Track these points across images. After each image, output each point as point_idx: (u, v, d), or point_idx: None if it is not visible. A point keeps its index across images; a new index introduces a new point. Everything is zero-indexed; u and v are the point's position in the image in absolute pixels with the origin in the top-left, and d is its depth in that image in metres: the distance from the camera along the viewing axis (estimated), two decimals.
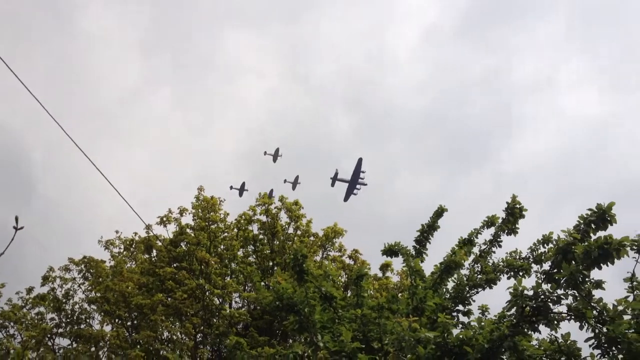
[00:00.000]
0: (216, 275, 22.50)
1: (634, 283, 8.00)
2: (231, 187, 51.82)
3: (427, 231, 13.19)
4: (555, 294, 7.88)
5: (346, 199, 53.79)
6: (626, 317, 7.94)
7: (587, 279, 7.89)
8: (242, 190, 51.61)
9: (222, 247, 24.42)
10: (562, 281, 7.87)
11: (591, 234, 8.32)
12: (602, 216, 8.23)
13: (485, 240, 12.77)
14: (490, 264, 12.26)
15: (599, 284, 8.06)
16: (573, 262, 7.81)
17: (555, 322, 8.52)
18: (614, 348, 7.80)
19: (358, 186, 53.92)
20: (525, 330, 8.11)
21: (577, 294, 7.92)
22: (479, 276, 11.98)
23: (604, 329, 7.86)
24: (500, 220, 12.45)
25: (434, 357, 8.49)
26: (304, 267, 8.62)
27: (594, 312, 8.03)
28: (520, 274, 11.54)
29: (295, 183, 54.41)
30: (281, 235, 24.27)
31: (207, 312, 21.78)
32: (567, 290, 7.92)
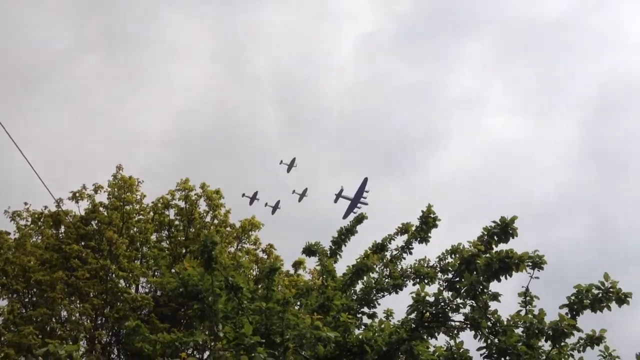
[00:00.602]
0: (124, 258, 21.96)
1: (527, 298, 8.39)
2: (243, 195, 49.34)
3: (345, 234, 13.49)
4: (455, 303, 8.16)
5: (345, 216, 54.23)
6: (518, 330, 8.33)
7: (485, 290, 8.20)
8: (253, 199, 49.62)
9: (135, 229, 23.86)
10: (462, 290, 8.15)
11: (493, 246, 8.62)
12: (504, 229, 8.57)
13: (397, 246, 13.08)
14: (399, 270, 12.54)
15: (495, 296, 8.39)
16: (475, 273, 8.10)
17: (454, 330, 8.84)
18: (503, 359, 8.15)
19: (359, 205, 55.06)
20: (423, 335, 8.35)
21: (474, 304, 8.23)
22: (387, 280, 12.22)
23: (496, 340, 8.20)
24: (414, 228, 12.77)
25: (333, 356, 8.61)
26: (212, 254, 8.53)
27: (489, 322, 8.36)
28: (426, 281, 11.84)
29: (302, 195, 54.33)
30: (198, 223, 23.97)
31: (110, 295, 21.23)
32: (466, 300, 8.22)
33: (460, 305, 8.22)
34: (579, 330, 8.33)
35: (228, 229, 24.54)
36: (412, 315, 8.41)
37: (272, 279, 9.48)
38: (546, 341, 8.23)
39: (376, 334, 8.35)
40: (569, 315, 8.30)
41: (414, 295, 8.32)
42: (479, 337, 8.44)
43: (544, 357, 8.15)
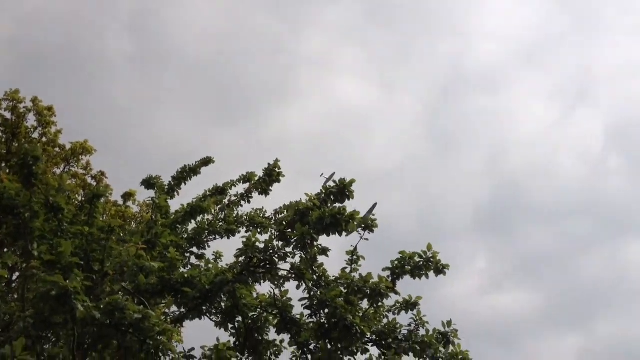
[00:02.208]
0: None
1: (354, 257, 8.69)
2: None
3: (188, 172, 13.25)
4: (283, 251, 8.24)
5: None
6: (341, 287, 8.60)
7: (315, 244, 8.36)
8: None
9: None
10: (292, 240, 8.25)
11: (329, 205, 8.75)
12: (342, 190, 8.73)
13: (237, 193, 13.08)
14: (235, 215, 12.53)
15: (324, 251, 8.59)
16: (307, 226, 8.20)
17: (278, 277, 8.96)
18: (322, 311, 8.40)
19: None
20: (248, 280, 8.35)
21: (303, 255, 8.37)
22: (221, 224, 12.14)
23: (318, 293, 8.43)
24: (256, 178, 12.81)
25: (155, 290, 8.36)
26: (33, 170, 7.84)
27: (314, 275, 8.56)
28: (259, 230, 11.92)
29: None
30: (23, 137, 22.10)
31: None
32: (295, 250, 8.33)
33: (289, 254, 8.31)
34: (397, 293, 8.82)
35: (57, 149, 22.94)
36: (240, 259, 8.37)
37: (96, 205, 9.01)
38: (363, 299, 8.59)
39: (202, 274, 8.21)
40: (390, 279, 8.74)
41: (244, 240, 8.28)
42: (302, 288, 8.63)
43: (361, 314, 8.50)
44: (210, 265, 8.44)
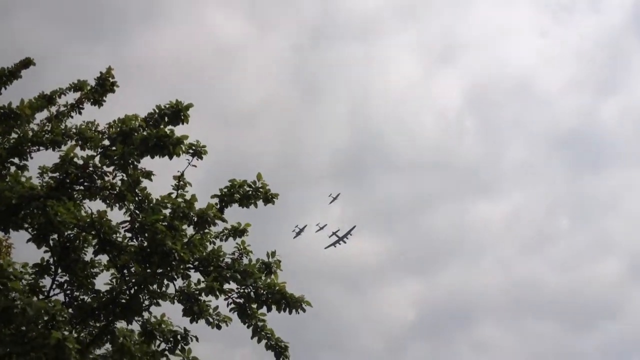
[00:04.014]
0: None
1: (181, 182, 8.43)
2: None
3: (7, 77, 12.03)
4: (103, 170, 7.82)
5: (327, 247, 76.83)
6: (167, 211, 8.34)
7: (138, 166, 8.01)
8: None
9: None
10: (114, 159, 7.83)
11: (162, 126, 8.36)
12: (177, 113, 8.35)
13: (67, 103, 12.16)
14: (63, 128, 11.69)
15: (148, 174, 8.27)
16: (131, 146, 7.81)
17: (101, 198, 8.52)
18: (143, 235, 8.13)
19: (340, 242, 77.51)
20: (63, 196, 7.85)
21: (125, 177, 7.99)
22: (47, 136, 11.29)
23: (140, 217, 8.13)
24: (89, 88, 11.96)
25: None
26: None
27: (137, 198, 8.22)
28: (89, 145, 11.22)
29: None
30: None
31: None
32: (116, 170, 7.93)
33: (109, 173, 7.90)
34: (224, 220, 8.70)
35: None
36: (56, 175, 7.83)
37: None
38: (190, 225, 8.42)
39: (9, 187, 7.58)
40: (219, 206, 8.61)
41: (62, 153, 7.74)
42: (124, 210, 8.29)
43: (186, 240, 8.34)
44: (22, 179, 7.81)
